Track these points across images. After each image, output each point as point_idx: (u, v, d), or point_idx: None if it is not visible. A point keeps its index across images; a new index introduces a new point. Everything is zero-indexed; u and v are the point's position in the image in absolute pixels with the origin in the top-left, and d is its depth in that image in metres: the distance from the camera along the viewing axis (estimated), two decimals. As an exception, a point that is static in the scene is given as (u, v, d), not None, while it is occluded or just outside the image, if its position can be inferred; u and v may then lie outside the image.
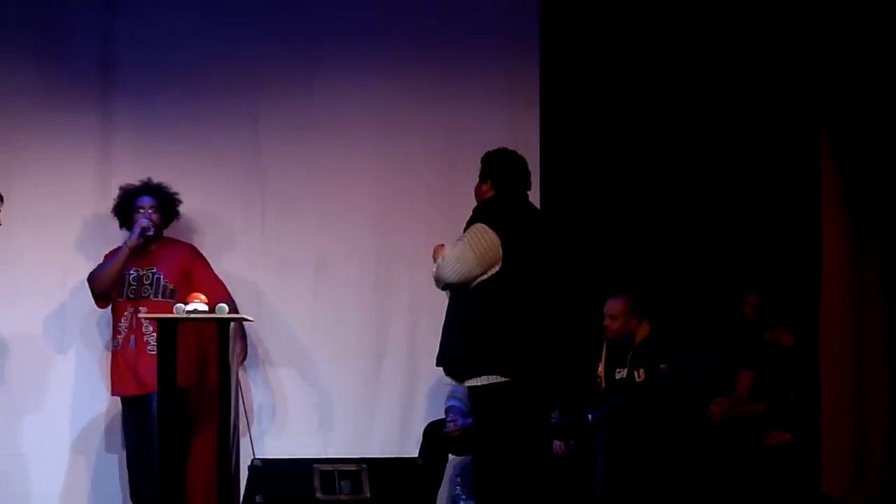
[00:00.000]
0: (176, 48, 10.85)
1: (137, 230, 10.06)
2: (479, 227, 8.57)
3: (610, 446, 9.55)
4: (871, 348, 8.82)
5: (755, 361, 9.70)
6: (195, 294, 9.54)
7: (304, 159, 10.80)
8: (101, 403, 10.59)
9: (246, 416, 9.67)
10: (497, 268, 8.55)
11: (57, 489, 10.53)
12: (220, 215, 10.75)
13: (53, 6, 10.88)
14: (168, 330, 9.42)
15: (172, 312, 9.68)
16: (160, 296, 10.15)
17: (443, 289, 8.78)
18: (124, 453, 10.24)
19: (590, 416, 9.69)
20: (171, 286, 10.16)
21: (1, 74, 10.84)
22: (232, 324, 9.54)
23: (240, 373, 9.79)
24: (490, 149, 8.98)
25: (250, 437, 9.67)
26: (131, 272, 10.16)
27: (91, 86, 10.85)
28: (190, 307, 9.44)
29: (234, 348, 9.66)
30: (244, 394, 9.79)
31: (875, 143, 8.79)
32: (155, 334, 9.85)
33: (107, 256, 10.25)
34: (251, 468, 9.15)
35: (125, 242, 10.09)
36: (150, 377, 9.87)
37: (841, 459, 8.88)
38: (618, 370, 9.95)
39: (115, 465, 10.53)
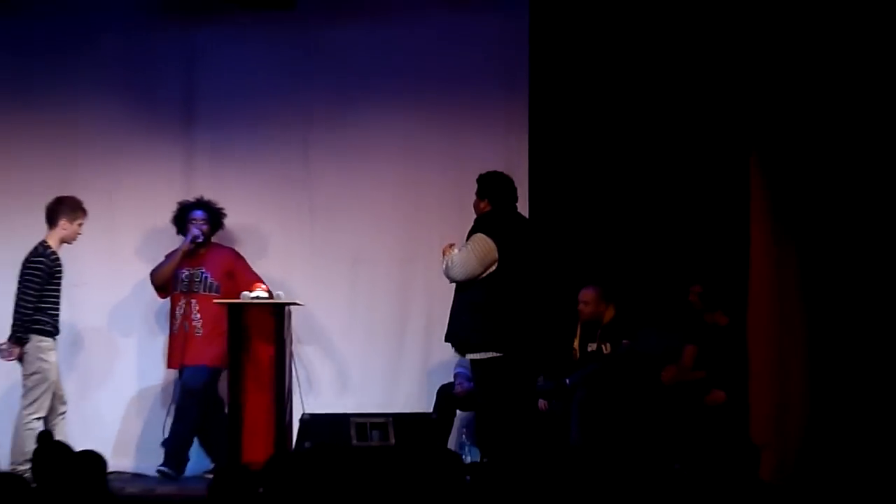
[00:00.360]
0: (244, 90, 10.85)
1: (189, 238, 10.16)
2: (480, 237, 8.76)
3: (583, 404, 9.68)
4: (788, 326, 8.75)
5: (698, 338, 9.80)
6: (257, 283, 9.76)
7: (343, 178, 10.80)
8: (159, 374, 10.66)
9: (297, 380, 9.71)
10: (494, 267, 8.78)
11: (120, 435, 10.63)
12: (278, 222, 10.77)
13: (145, 55, 10.84)
14: (237, 312, 9.59)
15: (218, 308, 9.95)
16: (207, 290, 10.21)
17: (451, 282, 8.85)
18: (172, 408, 10.25)
19: (567, 381, 9.80)
20: (216, 283, 10.21)
21: (104, 111, 10.79)
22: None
23: (293, 346, 9.77)
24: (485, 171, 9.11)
25: (301, 397, 9.65)
26: (184, 271, 10.23)
27: (175, 121, 10.88)
28: (253, 294, 9.57)
29: (289, 326, 9.74)
30: (295, 363, 9.78)
31: (793, 163, 8.75)
32: (201, 319, 10.12)
33: (167, 257, 10.28)
34: (301, 421, 9.15)
35: (180, 247, 10.17)
36: (197, 357, 10.15)
37: (765, 413, 8.81)
38: (589, 344, 10.03)
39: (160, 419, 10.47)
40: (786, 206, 8.80)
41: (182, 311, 10.25)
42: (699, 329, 9.83)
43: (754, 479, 7.33)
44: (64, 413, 9.57)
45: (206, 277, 10.25)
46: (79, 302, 10.50)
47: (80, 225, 9.65)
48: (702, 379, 9.69)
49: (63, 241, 9.63)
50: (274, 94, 10.85)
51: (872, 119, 8.35)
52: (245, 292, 9.67)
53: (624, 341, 9.95)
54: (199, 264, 10.26)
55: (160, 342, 10.64)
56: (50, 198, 9.75)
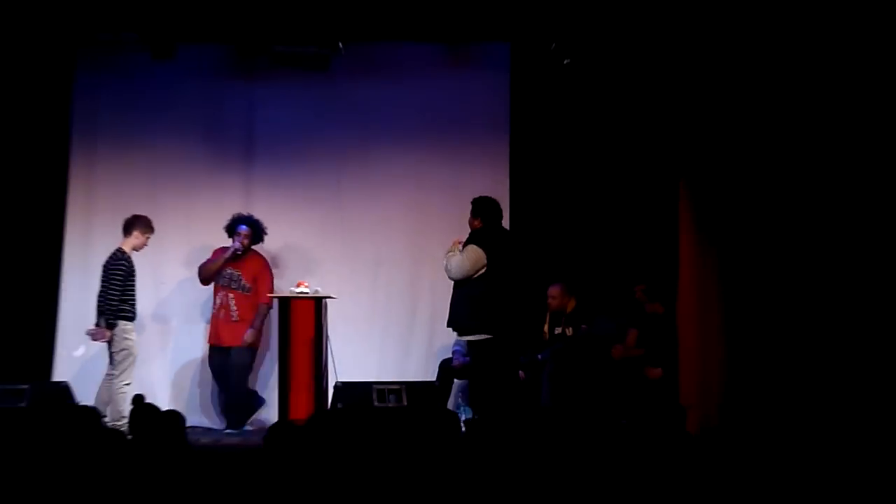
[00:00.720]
0: (290, 133, 10.87)
1: (231, 251, 10.21)
2: (473, 247, 8.98)
3: (551, 374, 9.70)
4: (709, 313, 8.69)
5: (640, 323, 9.83)
6: (301, 282, 9.81)
7: (366, 200, 10.83)
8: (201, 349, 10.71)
9: (332, 355, 9.75)
10: (484, 270, 8.83)
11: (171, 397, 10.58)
12: (316, 234, 10.79)
13: (216, 106, 10.87)
14: (286, 304, 9.69)
15: (249, 301, 10.20)
16: (241, 289, 10.27)
17: (450, 279, 8.97)
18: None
19: (539, 356, 9.79)
20: (247, 285, 10.27)
21: (184, 148, 10.82)
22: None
23: (328, 328, 9.78)
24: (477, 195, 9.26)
25: (334, 369, 9.68)
26: (227, 271, 10.25)
27: (238, 156, 10.90)
28: (298, 290, 9.68)
29: (325, 314, 9.82)
30: (330, 343, 9.76)
31: (712, 188, 8.73)
32: (237, 310, 10.24)
33: (215, 253, 10.27)
34: (335, 387, 9.05)
35: (226, 253, 10.20)
36: (229, 337, 10.22)
37: (691, 381, 8.85)
38: (556, 328, 10.02)
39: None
40: (707, 221, 8.87)
41: (222, 301, 10.25)
42: (641, 316, 9.83)
43: (683, 432, 7.36)
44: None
45: (240, 279, 10.27)
46: (161, 296, 10.67)
47: (147, 238, 9.71)
48: (642, 356, 9.68)
49: (134, 248, 9.66)
50: (313, 135, 10.86)
51: (773, 153, 8.28)
52: (291, 288, 9.75)
53: (582, 326, 9.94)
54: (238, 267, 10.28)
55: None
56: (144, 213, 9.79)
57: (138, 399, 7.55)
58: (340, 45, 9.98)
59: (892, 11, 7.42)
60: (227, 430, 10.16)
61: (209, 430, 10.30)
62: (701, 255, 8.94)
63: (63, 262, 10.67)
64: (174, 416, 6.58)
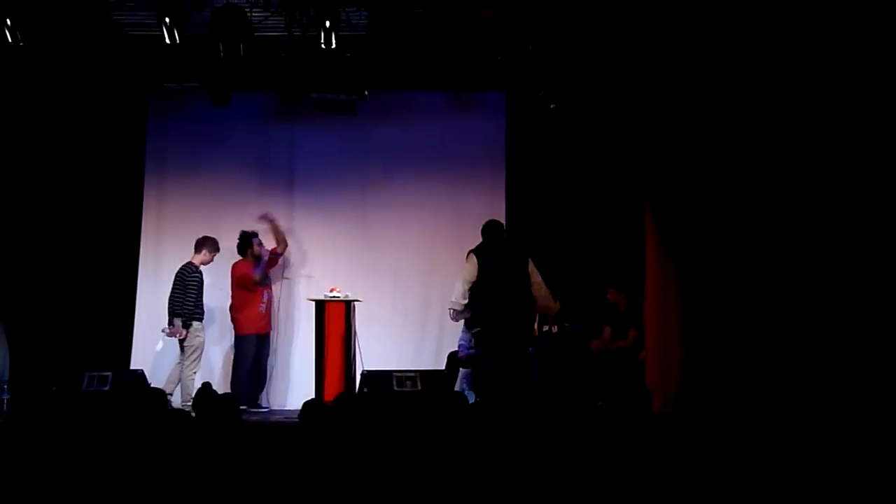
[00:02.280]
0: (324, 164, 10.83)
1: (269, 256, 10.26)
2: (469, 255, 8.83)
3: (541, 364, 9.67)
4: (669, 312, 8.59)
5: (612, 321, 9.81)
6: (333, 288, 9.77)
7: (387, 220, 10.80)
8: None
9: (359, 348, 9.73)
10: (477, 277, 8.75)
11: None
12: (346, 248, 10.71)
13: (263, 142, 10.87)
14: (321, 305, 9.65)
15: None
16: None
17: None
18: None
19: (530, 349, 9.52)
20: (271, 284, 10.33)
21: (238, 178, 10.80)
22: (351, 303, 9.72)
23: (356, 326, 9.74)
24: (481, 218, 9.17)
25: (361, 359, 9.66)
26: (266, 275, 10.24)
27: (282, 184, 10.89)
28: (331, 294, 9.67)
29: (353, 315, 9.80)
30: (357, 338, 9.72)
31: (672, 210, 8.73)
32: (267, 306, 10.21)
33: (260, 268, 10.14)
34: (362, 375, 9.05)
35: (265, 259, 10.22)
36: (268, 326, 10.26)
37: (654, 368, 8.76)
38: (545, 326, 9.97)
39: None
40: (668, 236, 8.81)
41: (267, 298, 10.19)
42: (613, 315, 9.81)
43: (649, 412, 7.39)
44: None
45: (269, 281, 10.33)
46: (222, 303, 10.58)
47: (213, 256, 9.87)
48: (631, 344, 9.63)
49: (202, 263, 9.78)
50: (343, 167, 10.83)
51: (720, 183, 8.26)
52: (325, 293, 9.68)
53: (565, 325, 9.96)
54: (268, 272, 10.33)
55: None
56: (205, 233, 9.91)
57: (205, 386, 7.62)
58: (366, 92, 9.97)
59: (841, 46, 7.45)
60: (265, 408, 10.16)
61: (260, 409, 10.21)
62: (663, 264, 8.84)
63: (139, 271, 10.71)
64: (229, 398, 6.65)
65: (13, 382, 9.54)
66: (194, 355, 9.61)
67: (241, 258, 10.21)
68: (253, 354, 10.12)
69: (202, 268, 9.90)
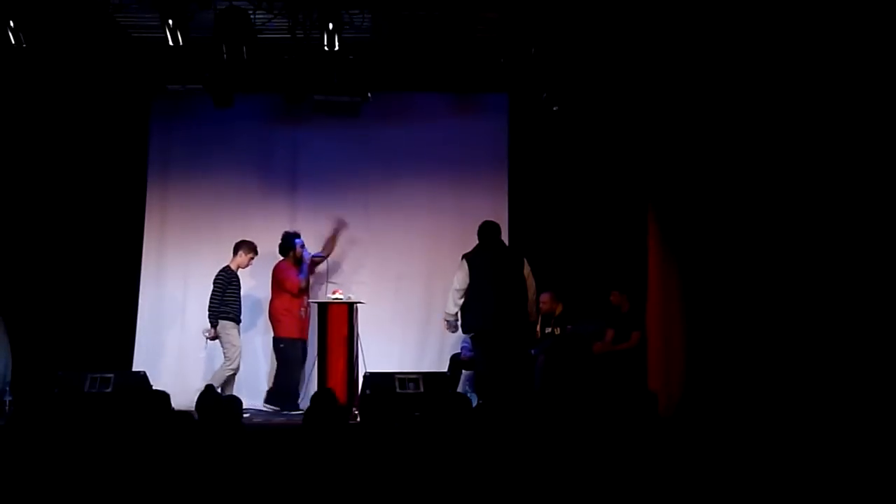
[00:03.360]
0: (327, 167, 10.83)
1: (311, 259, 10.22)
2: (461, 261, 8.90)
3: (542, 366, 9.63)
4: (671, 314, 8.64)
5: (615, 324, 9.80)
6: (336, 290, 9.78)
7: (390, 223, 10.81)
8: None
9: (362, 350, 9.70)
10: (469, 280, 8.76)
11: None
12: (349, 251, 10.64)
13: (266, 145, 10.87)
14: (324, 307, 9.62)
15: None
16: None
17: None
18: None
19: (533, 351, 9.65)
20: None
21: (242, 182, 10.81)
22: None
23: (358, 328, 9.69)
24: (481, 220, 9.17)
25: (364, 361, 9.65)
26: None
27: (285, 187, 10.90)
28: (334, 297, 9.64)
29: (356, 317, 9.76)
30: (360, 340, 9.68)
31: (675, 213, 8.75)
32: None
33: (290, 271, 10.14)
34: (365, 376, 9.08)
35: (307, 264, 10.19)
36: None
37: (657, 371, 8.81)
38: (547, 328, 9.96)
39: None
40: (670, 238, 8.84)
41: (307, 303, 10.18)
42: (617, 318, 9.80)
43: (654, 414, 7.39)
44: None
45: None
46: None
47: (251, 258, 9.93)
48: (634, 346, 9.60)
49: (238, 266, 9.86)
50: (346, 169, 10.83)
51: (722, 188, 8.36)
52: (328, 295, 9.67)
53: (568, 327, 9.91)
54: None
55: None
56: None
57: (209, 388, 7.61)
58: (369, 94, 9.97)
59: (845, 48, 7.46)
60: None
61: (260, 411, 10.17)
62: (666, 266, 8.89)
63: (141, 273, 10.68)
64: (233, 401, 6.63)
65: (15, 384, 9.53)
66: (232, 355, 9.71)
67: (281, 259, 10.20)
68: (296, 358, 10.15)
69: (240, 271, 9.97)
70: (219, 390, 9.13)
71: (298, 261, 10.13)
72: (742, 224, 8.26)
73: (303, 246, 10.17)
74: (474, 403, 8.94)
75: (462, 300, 8.87)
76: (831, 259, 7.66)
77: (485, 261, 8.84)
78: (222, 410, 6.35)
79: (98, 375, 8.86)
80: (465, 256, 8.89)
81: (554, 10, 8.86)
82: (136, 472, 4.92)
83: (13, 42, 8.64)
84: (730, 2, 8.05)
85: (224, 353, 9.76)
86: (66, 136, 10.57)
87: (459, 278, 8.84)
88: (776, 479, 5.26)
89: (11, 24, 8.59)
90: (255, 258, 10.11)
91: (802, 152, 7.84)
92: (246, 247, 9.93)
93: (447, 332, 9.56)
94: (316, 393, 6.49)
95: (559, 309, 10.03)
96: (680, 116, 8.68)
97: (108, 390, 8.73)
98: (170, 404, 6.75)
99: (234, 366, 9.71)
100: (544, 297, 9.91)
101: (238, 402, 6.69)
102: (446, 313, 9.00)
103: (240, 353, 9.80)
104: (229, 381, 9.70)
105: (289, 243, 10.14)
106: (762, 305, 8.06)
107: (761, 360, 8.01)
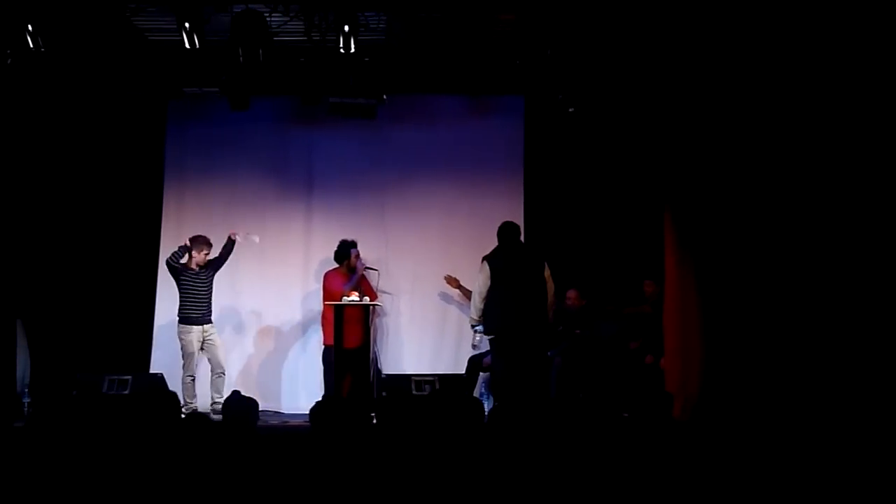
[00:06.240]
0: (342, 168, 10.87)
1: (362, 270, 10.13)
2: (482, 263, 8.84)
3: (561, 368, 9.70)
4: (689, 316, 8.65)
5: (636, 330, 9.81)
6: (351, 292, 9.71)
7: (406, 225, 10.85)
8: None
9: (377, 352, 9.74)
10: (490, 282, 8.73)
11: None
12: (364, 253, 10.30)
13: (281, 146, 10.91)
14: (339, 309, 9.62)
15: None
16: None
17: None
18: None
19: (549, 353, 9.53)
20: None
21: (258, 181, 10.86)
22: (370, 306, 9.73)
23: (374, 330, 9.78)
24: (499, 222, 9.10)
25: (380, 363, 9.70)
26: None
27: (301, 187, 10.93)
28: (349, 299, 9.63)
29: (373, 318, 9.81)
30: (376, 341, 9.81)
31: (691, 214, 8.75)
32: None
33: (335, 279, 10.10)
34: (381, 378, 9.10)
35: (359, 273, 10.13)
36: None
37: (675, 372, 8.80)
38: (559, 327, 9.89)
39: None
40: (687, 239, 8.84)
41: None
42: (639, 320, 9.83)
43: (669, 417, 7.39)
44: (219, 374, 9.56)
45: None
46: (239, 306, 10.70)
47: (205, 254, 9.63)
48: (638, 347, 9.69)
49: (196, 263, 9.59)
50: (361, 171, 10.85)
51: (738, 190, 8.36)
52: (344, 297, 9.63)
53: (576, 330, 9.92)
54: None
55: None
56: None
57: (235, 393, 7.63)
58: (385, 96, 9.98)
59: (862, 48, 7.45)
60: None
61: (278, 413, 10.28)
62: (682, 267, 8.87)
63: (158, 275, 10.68)
64: (249, 401, 6.65)
65: (34, 386, 9.63)
66: (185, 361, 9.55)
67: (335, 267, 10.18)
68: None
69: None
70: (181, 400, 9.06)
71: (352, 269, 10.10)
72: (760, 225, 8.25)
73: (357, 256, 10.13)
74: (490, 406, 9.03)
75: (483, 304, 8.85)
76: (852, 260, 7.64)
77: (505, 262, 8.82)
78: (239, 413, 6.38)
79: (116, 377, 8.92)
80: (485, 258, 8.86)
81: (570, 12, 8.86)
82: (152, 473, 4.94)
83: (32, 46, 8.70)
84: (748, 1, 8.05)
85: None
86: (83, 140, 10.63)
87: (482, 281, 8.79)
88: (794, 485, 5.25)
89: (30, 28, 8.64)
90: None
91: (820, 152, 7.83)
92: (194, 242, 9.64)
93: (463, 334, 9.59)
94: (331, 396, 6.53)
95: (581, 306, 10.07)
96: (695, 117, 8.67)
97: (126, 392, 8.78)
98: (179, 406, 6.81)
99: (189, 372, 9.48)
100: (571, 293, 9.98)
101: (253, 404, 6.71)
102: (472, 319, 8.92)
103: (193, 358, 9.51)
104: (187, 388, 9.45)
105: (344, 252, 10.13)
106: (781, 307, 8.04)
107: (780, 363, 8.00)
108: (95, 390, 8.80)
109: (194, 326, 9.51)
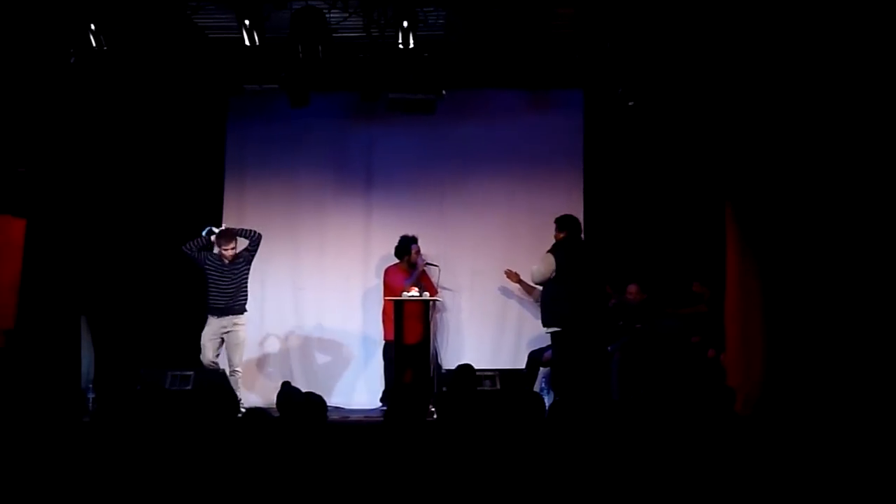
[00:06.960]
0: (401, 164, 10.91)
1: (423, 266, 10.16)
2: (547, 255, 8.88)
3: (620, 364, 9.62)
4: (751, 311, 8.58)
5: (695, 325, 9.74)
6: (411, 287, 9.75)
7: (464, 220, 10.85)
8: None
9: (437, 348, 9.75)
10: (553, 274, 8.77)
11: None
12: (424, 249, 10.32)
13: (342, 142, 10.94)
14: (399, 304, 9.65)
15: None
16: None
17: (533, 283, 9.01)
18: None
19: (609, 348, 9.53)
20: None
21: (319, 177, 10.91)
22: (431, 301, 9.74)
23: (434, 325, 9.72)
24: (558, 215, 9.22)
25: (440, 358, 9.72)
26: None
27: (360, 183, 10.97)
28: (409, 294, 9.64)
29: (433, 314, 9.83)
30: (437, 337, 9.77)
31: (753, 210, 8.70)
32: None
33: (396, 275, 10.13)
34: (440, 373, 9.10)
35: (419, 270, 10.15)
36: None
37: (737, 366, 8.73)
38: (620, 321, 9.86)
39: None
40: (749, 236, 8.78)
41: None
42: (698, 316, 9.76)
43: (731, 412, 7.34)
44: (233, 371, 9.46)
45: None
46: (300, 301, 10.77)
47: (231, 248, 9.46)
48: (699, 341, 9.64)
49: (222, 256, 9.47)
50: (421, 166, 10.89)
51: (802, 182, 8.31)
52: (405, 293, 9.65)
53: (636, 325, 9.87)
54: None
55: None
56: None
57: (286, 385, 7.68)
58: (443, 92, 9.96)
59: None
60: None
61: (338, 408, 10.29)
62: (744, 264, 8.81)
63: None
64: (317, 398, 6.68)
65: (98, 381, 9.74)
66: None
67: (396, 262, 10.22)
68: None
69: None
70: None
71: (412, 265, 10.13)
72: (824, 222, 8.20)
73: (418, 252, 10.16)
74: (550, 401, 8.97)
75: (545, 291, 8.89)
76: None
77: (568, 257, 8.88)
78: (303, 407, 6.41)
79: (178, 373, 8.98)
80: (550, 251, 8.93)
81: (629, 4, 8.84)
82: (215, 468, 4.99)
83: (94, 45, 8.83)
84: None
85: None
86: (145, 138, 10.73)
87: (542, 271, 8.89)
88: (855, 481, 5.21)
89: (93, 27, 8.77)
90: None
91: (886, 150, 7.75)
92: (219, 238, 9.57)
93: (523, 329, 9.56)
94: (393, 390, 6.55)
95: (642, 301, 10.01)
96: (759, 111, 8.60)
97: (189, 388, 8.86)
98: (237, 403, 6.85)
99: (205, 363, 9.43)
100: (632, 288, 9.95)
101: (318, 399, 6.73)
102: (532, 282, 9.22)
103: (205, 349, 9.44)
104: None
105: (405, 247, 10.15)
106: (844, 304, 7.99)
107: (843, 360, 7.94)
108: (158, 385, 8.88)
109: (213, 318, 9.49)
